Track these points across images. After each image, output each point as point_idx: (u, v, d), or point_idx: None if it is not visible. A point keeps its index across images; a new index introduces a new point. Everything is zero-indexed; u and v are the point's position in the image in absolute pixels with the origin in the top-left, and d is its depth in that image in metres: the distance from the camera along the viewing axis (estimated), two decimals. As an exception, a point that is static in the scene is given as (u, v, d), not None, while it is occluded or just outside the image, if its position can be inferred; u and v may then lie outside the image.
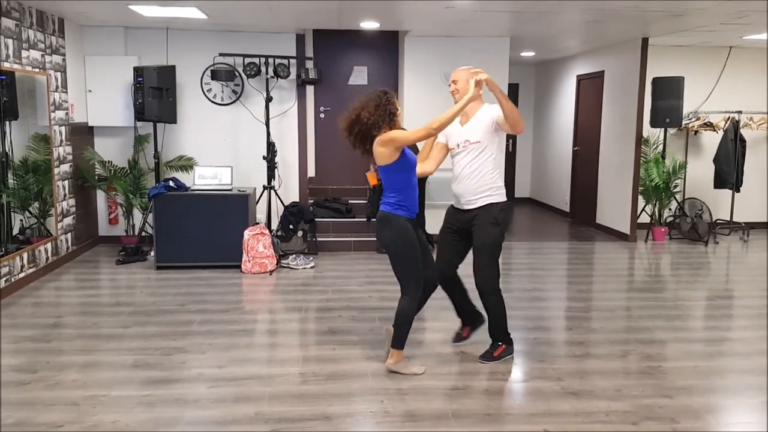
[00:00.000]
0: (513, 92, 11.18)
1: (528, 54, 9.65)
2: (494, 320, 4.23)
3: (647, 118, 8.20)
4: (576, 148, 9.85)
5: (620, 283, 6.48)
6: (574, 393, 3.73)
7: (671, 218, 8.72)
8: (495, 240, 4.09)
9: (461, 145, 4.13)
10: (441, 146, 4.26)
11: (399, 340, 3.99)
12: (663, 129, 8.41)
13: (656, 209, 8.50)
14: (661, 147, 8.51)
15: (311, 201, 7.92)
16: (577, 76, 9.80)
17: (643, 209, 8.47)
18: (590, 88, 9.41)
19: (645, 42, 7.95)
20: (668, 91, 8.03)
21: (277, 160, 7.33)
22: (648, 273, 7.05)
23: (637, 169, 8.18)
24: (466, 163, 4.11)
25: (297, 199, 7.91)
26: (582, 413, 3.48)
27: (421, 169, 4.21)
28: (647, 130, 8.40)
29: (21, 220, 6.09)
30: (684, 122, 8.53)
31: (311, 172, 8.29)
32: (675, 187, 8.50)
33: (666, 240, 8.45)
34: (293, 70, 7.68)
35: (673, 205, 8.74)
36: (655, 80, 8.12)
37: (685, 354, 4.42)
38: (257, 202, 7.39)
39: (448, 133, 4.19)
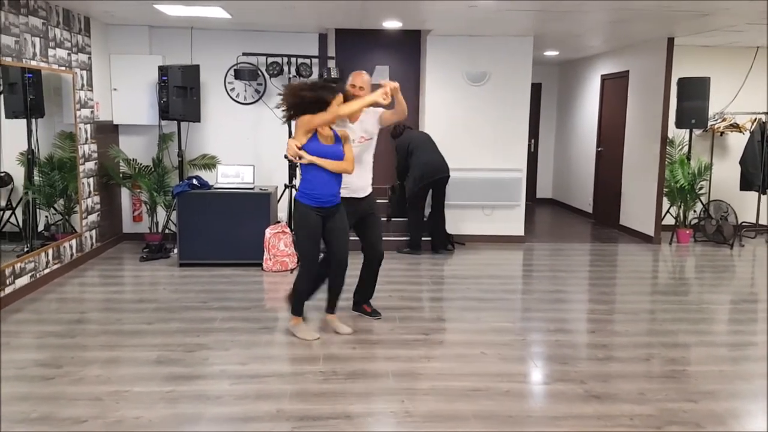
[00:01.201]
0: (536, 92, 11.12)
1: (551, 53, 9.59)
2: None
3: (672, 119, 8.10)
4: (600, 149, 9.77)
5: (644, 285, 6.41)
6: (597, 396, 3.69)
7: (696, 220, 8.61)
8: None
9: (357, 140, 4.61)
10: None
11: (296, 309, 4.63)
12: (688, 130, 8.30)
13: (681, 211, 8.39)
14: (686, 148, 8.40)
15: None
16: (602, 75, 9.71)
17: (668, 211, 8.38)
18: (615, 88, 9.32)
19: (671, 42, 7.85)
20: (694, 92, 7.92)
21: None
22: (672, 276, 6.96)
23: (662, 171, 8.09)
24: (363, 156, 4.67)
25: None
26: (605, 417, 3.44)
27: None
28: (672, 131, 8.30)
29: (46, 217, 6.17)
30: (710, 123, 8.42)
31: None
32: (700, 188, 8.39)
33: (690, 242, 8.35)
34: (315, 70, 7.69)
35: (698, 207, 8.63)
36: (680, 81, 8.02)
37: (710, 358, 4.36)
38: (278, 201, 7.42)
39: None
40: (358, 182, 4.66)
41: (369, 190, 4.79)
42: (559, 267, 7.02)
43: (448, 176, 7.33)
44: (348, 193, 4.62)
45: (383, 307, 5.23)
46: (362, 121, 4.65)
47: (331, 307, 4.76)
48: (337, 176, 4.42)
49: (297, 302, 4.62)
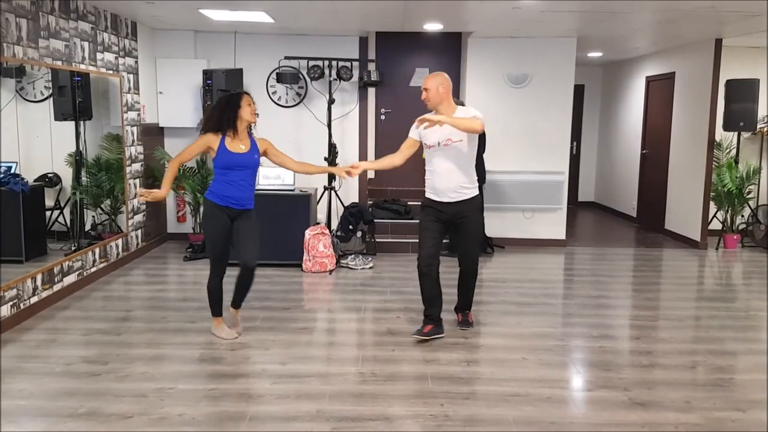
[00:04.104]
0: (578, 93, 10.97)
1: (595, 54, 9.45)
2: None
3: (720, 122, 7.91)
4: (644, 151, 9.59)
5: (689, 291, 6.27)
6: (641, 404, 3.62)
7: (744, 225, 8.40)
8: (482, 228, 4.46)
9: (442, 143, 4.43)
10: (412, 143, 4.64)
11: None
12: (736, 133, 8.10)
13: (728, 216, 8.19)
14: (734, 151, 8.20)
15: (370, 202, 7.95)
16: (647, 77, 9.53)
17: (715, 215, 8.18)
18: (660, 89, 9.14)
19: (719, 43, 7.67)
20: (743, 94, 7.73)
21: (338, 161, 7.38)
22: (719, 282, 6.79)
23: (709, 174, 7.90)
24: (452, 158, 4.45)
25: (357, 200, 7.95)
26: (650, 424, 3.37)
27: (390, 161, 4.73)
28: (720, 134, 8.11)
29: (93, 217, 6.32)
30: (759, 126, 8.20)
31: (371, 173, 8.33)
32: (748, 193, 8.18)
33: (738, 248, 8.14)
34: (356, 73, 7.73)
35: (746, 211, 8.41)
36: (728, 82, 7.83)
37: (759, 366, 4.24)
38: (318, 203, 7.47)
39: (423, 133, 4.52)
40: (443, 184, 4.51)
41: (464, 195, 4.52)
42: (602, 272, 6.90)
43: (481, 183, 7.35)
44: (434, 196, 4.59)
45: (421, 310, 5.22)
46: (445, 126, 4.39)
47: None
48: (251, 182, 4.49)
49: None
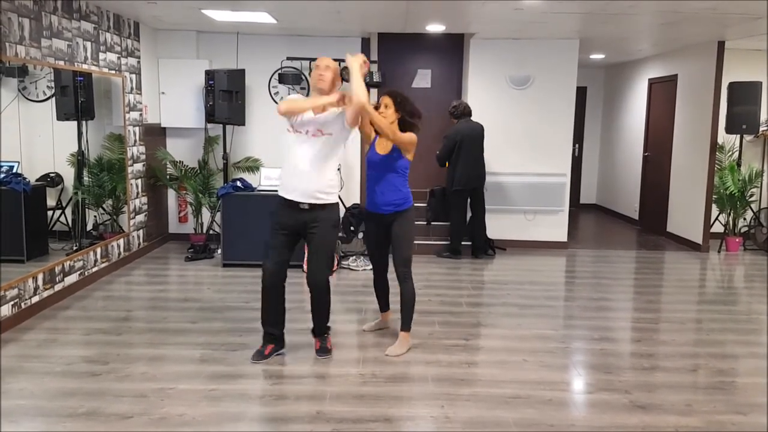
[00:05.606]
0: (581, 95, 10.95)
1: (597, 56, 9.44)
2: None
3: (722, 124, 7.90)
4: (647, 154, 9.58)
5: (691, 294, 6.26)
6: (642, 406, 3.62)
7: (746, 228, 8.38)
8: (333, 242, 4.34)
9: (311, 132, 4.12)
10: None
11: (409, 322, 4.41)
12: (739, 135, 8.09)
13: (730, 218, 8.18)
14: (736, 154, 8.18)
15: (373, 203, 7.94)
16: (649, 79, 9.53)
17: (717, 218, 8.17)
18: (662, 92, 9.13)
19: (721, 45, 7.67)
20: (745, 97, 7.72)
21: (339, 162, 7.37)
22: (721, 285, 6.78)
23: (712, 177, 7.89)
24: (314, 153, 4.13)
25: (358, 201, 7.94)
26: (650, 427, 3.37)
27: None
28: (722, 137, 8.09)
29: (95, 217, 6.33)
30: (761, 129, 8.19)
31: (374, 174, 8.32)
32: (751, 195, 8.17)
33: (740, 251, 8.12)
34: (358, 73, 7.71)
35: (749, 214, 8.39)
36: (731, 85, 7.82)
37: (760, 370, 4.23)
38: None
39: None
40: (300, 183, 4.10)
41: (318, 198, 4.12)
42: (604, 274, 6.90)
43: (483, 183, 7.38)
44: (285, 194, 4.12)
45: (422, 311, 5.21)
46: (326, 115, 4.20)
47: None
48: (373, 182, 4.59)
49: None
